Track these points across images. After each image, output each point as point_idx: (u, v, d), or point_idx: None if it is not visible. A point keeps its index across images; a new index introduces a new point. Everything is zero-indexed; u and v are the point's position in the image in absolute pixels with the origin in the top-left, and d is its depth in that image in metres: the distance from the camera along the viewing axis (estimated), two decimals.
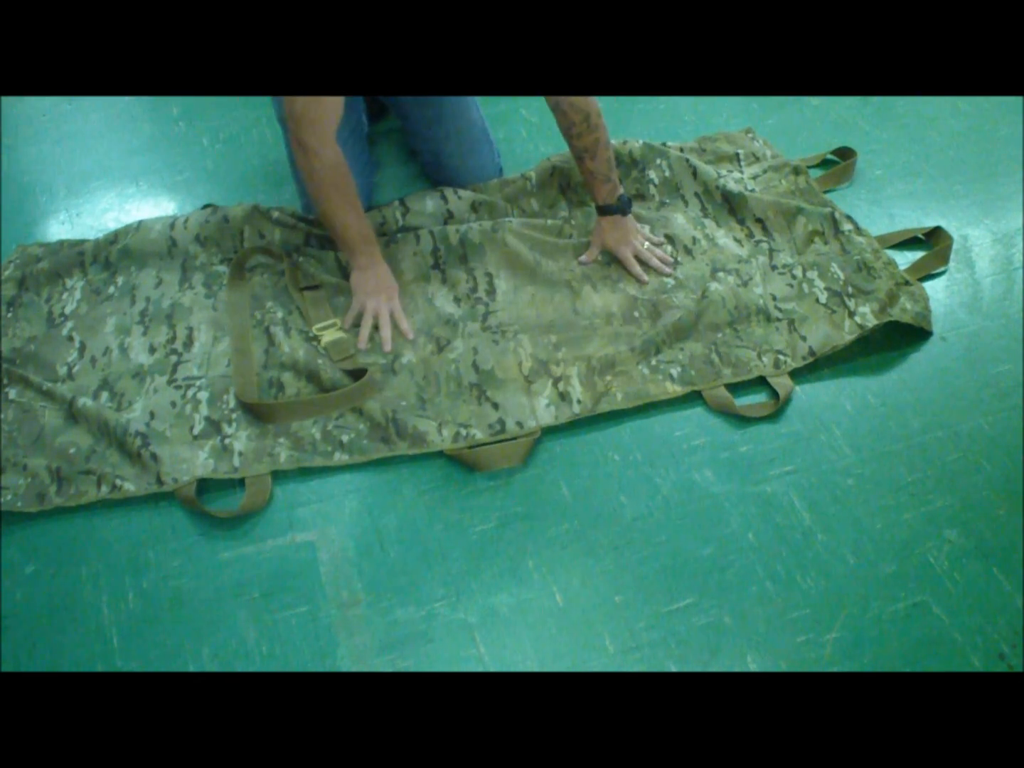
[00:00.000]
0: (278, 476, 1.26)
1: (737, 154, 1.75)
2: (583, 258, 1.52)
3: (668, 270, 1.50)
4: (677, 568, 1.16)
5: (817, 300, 1.46)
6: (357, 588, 1.14)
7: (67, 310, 1.47)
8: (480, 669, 1.07)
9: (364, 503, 1.23)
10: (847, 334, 1.39)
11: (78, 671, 1.06)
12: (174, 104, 1.92)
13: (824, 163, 1.77)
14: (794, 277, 1.50)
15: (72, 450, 1.26)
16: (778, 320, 1.43)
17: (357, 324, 1.42)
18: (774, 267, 1.52)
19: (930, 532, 1.19)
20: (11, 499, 1.20)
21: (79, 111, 1.91)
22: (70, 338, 1.42)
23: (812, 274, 1.50)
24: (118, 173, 1.76)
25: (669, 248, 1.55)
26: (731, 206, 1.62)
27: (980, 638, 1.09)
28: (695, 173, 1.66)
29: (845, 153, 1.75)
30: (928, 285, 1.53)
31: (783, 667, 1.07)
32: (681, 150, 1.74)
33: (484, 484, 1.25)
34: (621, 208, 1.49)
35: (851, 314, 1.43)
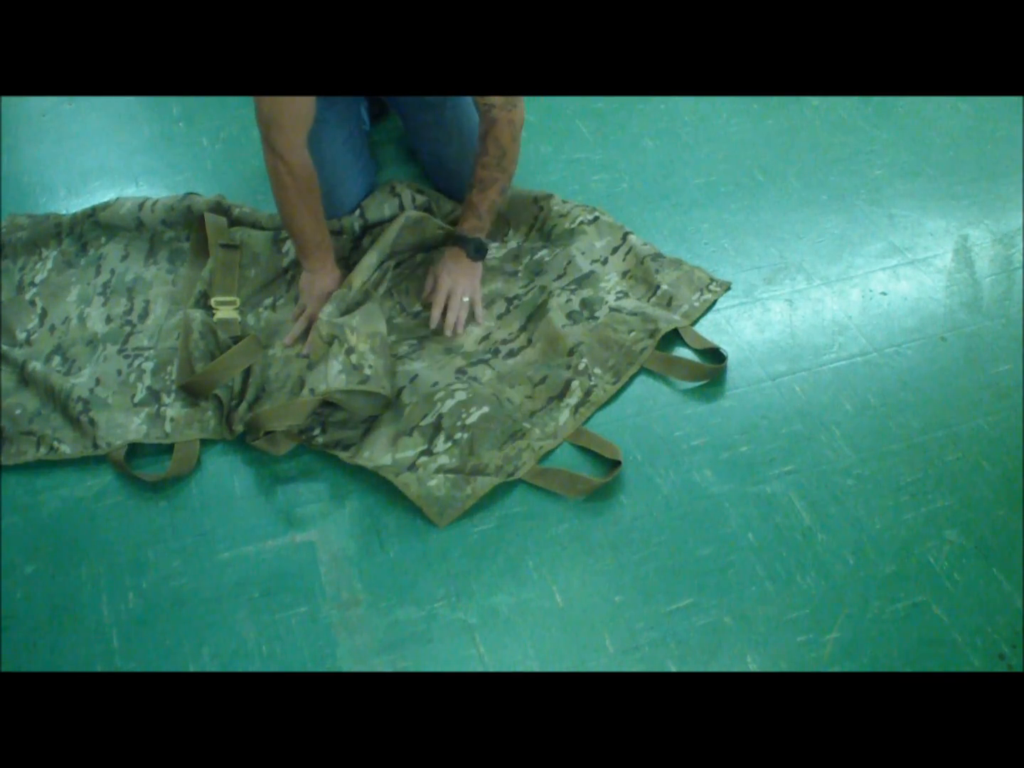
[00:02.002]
0: (280, 474, 1.26)
1: (657, 287, 1.49)
2: (423, 295, 1.47)
3: (448, 333, 1.41)
4: (677, 568, 1.16)
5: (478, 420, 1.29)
6: (357, 588, 1.14)
7: (37, 279, 1.53)
8: (480, 669, 1.07)
9: (364, 503, 1.23)
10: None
11: (78, 671, 1.06)
12: (174, 104, 1.91)
13: (709, 352, 1.42)
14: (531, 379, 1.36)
15: (18, 411, 1.32)
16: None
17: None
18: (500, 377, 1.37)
19: (930, 532, 1.19)
20: None
21: (79, 111, 1.91)
22: (33, 303, 1.49)
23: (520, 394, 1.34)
24: (118, 173, 1.76)
25: (487, 325, 1.45)
26: (530, 316, 1.46)
27: (980, 638, 1.09)
28: (562, 273, 1.52)
29: (718, 355, 1.40)
30: (928, 285, 1.53)
31: (783, 667, 1.07)
32: (628, 252, 1.55)
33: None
34: (471, 246, 1.43)
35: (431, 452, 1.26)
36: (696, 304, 1.49)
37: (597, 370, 1.37)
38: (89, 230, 1.59)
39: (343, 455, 1.26)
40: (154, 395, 1.35)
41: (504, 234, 1.60)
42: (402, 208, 1.56)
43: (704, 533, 1.20)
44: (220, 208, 1.57)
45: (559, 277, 1.51)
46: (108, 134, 1.86)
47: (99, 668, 1.07)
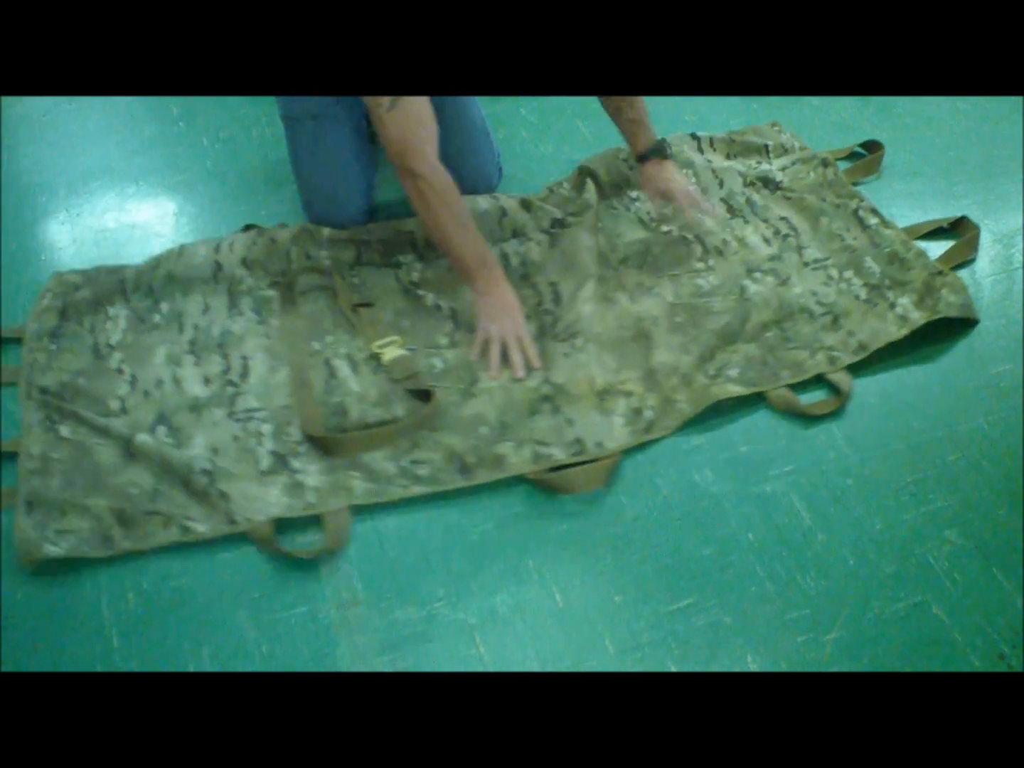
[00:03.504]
0: None
1: (766, 145, 1.75)
2: (652, 213, 1.57)
3: (717, 213, 1.57)
4: (677, 568, 1.16)
5: (857, 297, 1.46)
6: (357, 588, 1.14)
7: (113, 340, 1.40)
8: (480, 669, 1.07)
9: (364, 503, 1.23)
10: (891, 326, 1.40)
11: (78, 671, 1.06)
12: (174, 104, 1.91)
13: (852, 155, 1.78)
14: (830, 277, 1.50)
15: (134, 490, 1.20)
16: (822, 316, 1.43)
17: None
18: (806, 264, 1.52)
19: (930, 532, 1.19)
20: (76, 543, 1.14)
21: (79, 111, 1.91)
22: (119, 370, 1.35)
23: (848, 273, 1.50)
24: (118, 173, 1.76)
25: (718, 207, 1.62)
26: (753, 207, 1.63)
27: (980, 638, 1.09)
28: (721, 184, 1.67)
29: (872, 146, 1.76)
30: None
31: (783, 667, 1.07)
32: (712, 141, 1.76)
33: (484, 485, 1.24)
34: (662, 150, 1.51)
35: (891, 306, 1.43)
36: (794, 142, 1.78)
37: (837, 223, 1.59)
38: (162, 285, 1.47)
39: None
40: (281, 460, 1.24)
41: (625, 192, 1.66)
42: (495, 197, 1.58)
43: (704, 533, 1.20)
44: (307, 232, 1.50)
45: (720, 186, 1.67)
46: (108, 134, 1.86)
47: (99, 668, 1.07)
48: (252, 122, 1.86)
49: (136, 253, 1.59)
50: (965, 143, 1.78)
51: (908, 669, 1.06)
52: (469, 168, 1.60)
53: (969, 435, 1.30)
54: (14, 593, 1.14)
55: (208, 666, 1.07)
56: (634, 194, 1.65)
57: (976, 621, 1.11)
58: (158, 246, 1.60)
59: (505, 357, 1.35)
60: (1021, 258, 1.57)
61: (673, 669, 1.07)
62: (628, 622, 1.11)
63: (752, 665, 1.07)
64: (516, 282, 1.46)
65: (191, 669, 1.07)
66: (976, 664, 1.07)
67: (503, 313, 1.36)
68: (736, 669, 1.07)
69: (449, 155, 1.58)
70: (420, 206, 1.30)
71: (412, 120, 1.24)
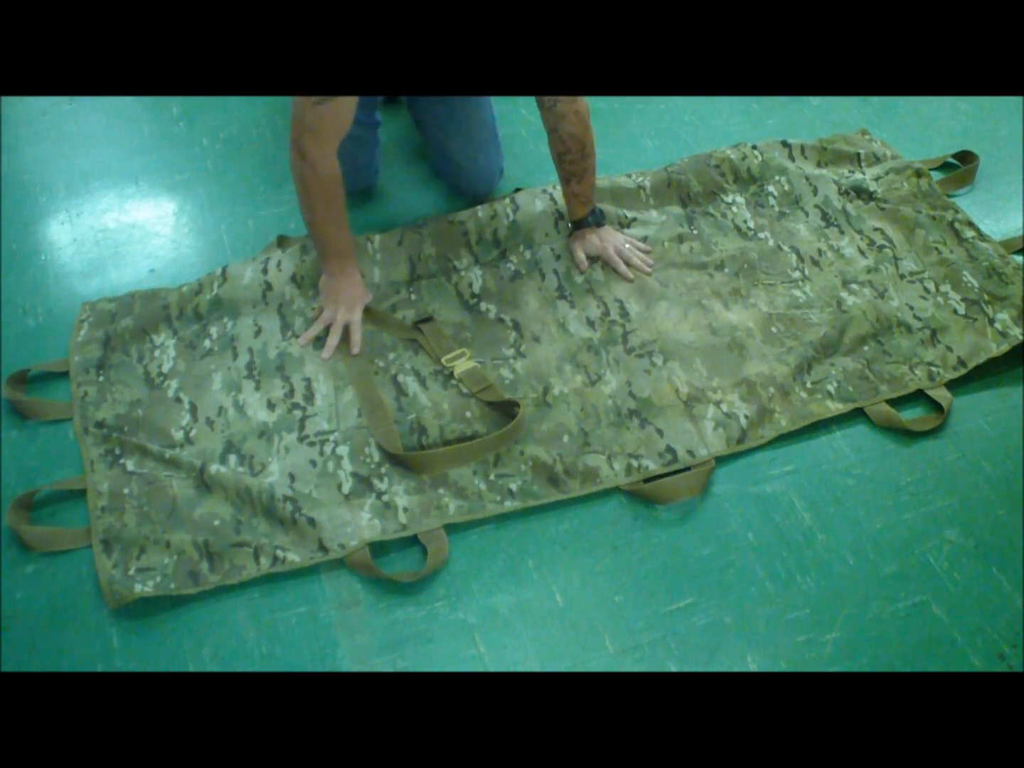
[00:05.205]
0: None
1: (858, 154, 1.73)
2: (582, 268, 1.51)
3: (648, 270, 1.50)
4: (677, 568, 1.16)
5: (955, 312, 1.45)
6: (357, 588, 1.14)
7: (164, 368, 1.36)
8: (480, 669, 1.07)
9: None
10: (990, 342, 1.39)
11: (78, 671, 1.06)
12: (174, 104, 1.91)
13: (945, 166, 1.75)
14: (926, 290, 1.48)
15: (216, 522, 1.17)
16: (920, 331, 1.41)
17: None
18: (902, 276, 1.51)
19: (930, 532, 1.20)
20: (161, 580, 1.11)
21: (79, 111, 1.91)
22: (178, 399, 1.32)
23: (945, 287, 1.48)
24: (118, 173, 1.76)
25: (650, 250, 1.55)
26: (847, 217, 1.61)
27: (980, 638, 1.09)
28: (815, 191, 1.64)
29: (966, 157, 1.73)
30: None
31: (783, 667, 1.07)
32: (802, 148, 1.73)
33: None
34: (595, 220, 1.51)
35: (990, 321, 1.42)
36: (885, 150, 1.75)
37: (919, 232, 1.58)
38: (209, 311, 1.43)
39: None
40: (364, 482, 1.22)
41: (720, 198, 1.64)
42: (553, 200, 1.57)
43: (704, 533, 1.20)
44: (356, 246, 1.47)
45: (814, 193, 1.64)
46: (108, 134, 1.86)
47: (99, 668, 1.07)
48: (252, 122, 1.86)
49: (136, 253, 1.59)
50: (965, 143, 1.78)
51: (908, 669, 1.06)
52: (473, 166, 1.61)
53: (969, 435, 1.30)
54: (14, 593, 1.14)
55: (208, 666, 1.07)
56: (729, 199, 1.63)
57: (976, 621, 1.11)
58: (158, 246, 1.60)
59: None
60: (1021, 259, 1.57)
61: (673, 669, 1.07)
62: (628, 622, 1.11)
63: (752, 665, 1.07)
64: (580, 293, 1.47)
65: (191, 669, 1.07)
66: (976, 664, 1.07)
67: (341, 298, 1.41)
68: (736, 669, 1.07)
69: (455, 150, 1.60)
70: (299, 187, 1.32)
71: (330, 118, 1.25)
